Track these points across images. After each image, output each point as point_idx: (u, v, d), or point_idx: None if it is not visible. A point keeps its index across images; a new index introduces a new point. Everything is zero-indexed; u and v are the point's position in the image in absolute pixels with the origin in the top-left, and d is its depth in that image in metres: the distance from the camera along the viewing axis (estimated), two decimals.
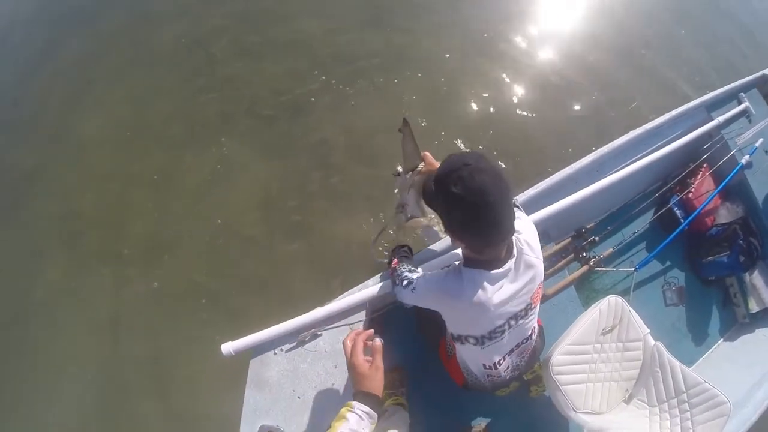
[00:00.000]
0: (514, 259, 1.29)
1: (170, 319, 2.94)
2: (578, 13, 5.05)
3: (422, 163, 1.70)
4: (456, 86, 4.06)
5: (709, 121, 2.75)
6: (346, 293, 1.83)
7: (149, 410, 2.74)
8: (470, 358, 1.59)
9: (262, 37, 4.09)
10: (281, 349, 1.73)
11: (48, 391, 2.83)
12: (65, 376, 2.86)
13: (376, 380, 1.16)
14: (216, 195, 3.31)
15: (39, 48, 4.25)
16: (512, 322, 1.40)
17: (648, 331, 2.03)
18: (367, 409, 1.11)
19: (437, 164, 1.68)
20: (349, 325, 1.78)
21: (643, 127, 2.54)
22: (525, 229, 1.38)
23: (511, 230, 1.18)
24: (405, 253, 1.73)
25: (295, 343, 1.73)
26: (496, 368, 1.55)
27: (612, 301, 1.97)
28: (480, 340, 1.41)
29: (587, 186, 2.22)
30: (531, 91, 4.24)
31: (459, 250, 1.75)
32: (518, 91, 4.21)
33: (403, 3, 4.55)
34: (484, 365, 1.56)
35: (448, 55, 4.25)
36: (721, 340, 2.83)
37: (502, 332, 1.41)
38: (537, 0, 5.02)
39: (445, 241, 1.96)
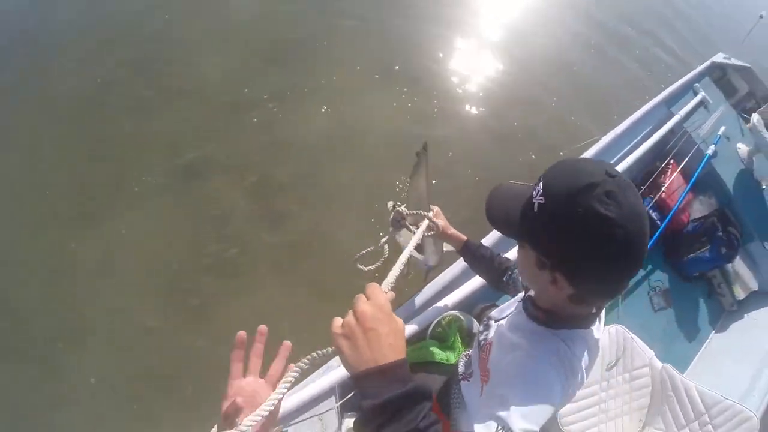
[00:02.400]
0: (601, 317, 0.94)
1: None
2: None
3: (431, 215, 1.37)
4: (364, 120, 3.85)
5: (670, 117, 2.73)
6: (308, 379, 1.59)
7: None
8: None
9: (154, 89, 3.73)
10: None
11: None
12: None
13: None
14: (114, 279, 2.94)
15: None
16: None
17: (653, 353, 1.92)
18: None
19: (450, 228, 1.41)
20: (318, 415, 1.54)
21: (608, 134, 2.48)
22: None
23: None
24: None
25: None
26: None
27: (612, 331, 1.86)
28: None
29: None
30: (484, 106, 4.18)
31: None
32: (456, 111, 4.13)
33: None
34: None
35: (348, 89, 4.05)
36: (713, 332, 2.79)
37: None
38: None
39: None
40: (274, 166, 3.38)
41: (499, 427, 0.73)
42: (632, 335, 1.89)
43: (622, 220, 0.69)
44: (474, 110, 4.16)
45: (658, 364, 1.90)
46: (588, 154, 2.37)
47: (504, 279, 1.30)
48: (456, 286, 1.80)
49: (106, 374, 2.66)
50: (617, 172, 0.73)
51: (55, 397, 2.64)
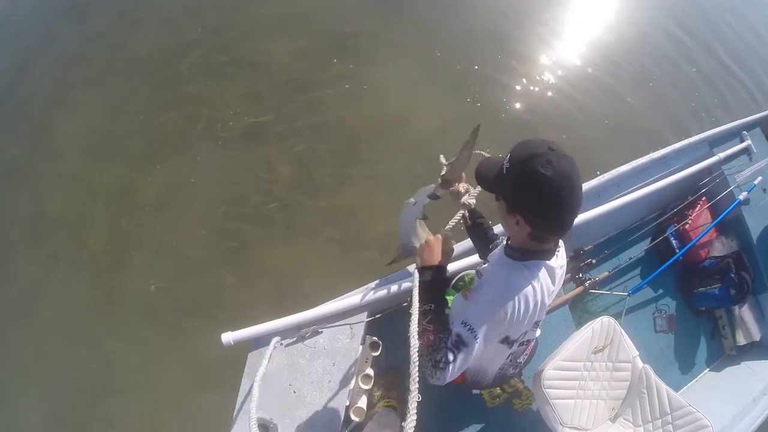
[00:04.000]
0: (559, 249, 1.29)
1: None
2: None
3: (459, 185, 1.61)
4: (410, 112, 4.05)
5: (710, 156, 2.84)
6: (348, 294, 1.88)
7: (134, 404, 2.81)
8: (497, 361, 1.55)
9: (229, 56, 4.13)
10: (281, 343, 1.76)
11: (23, 387, 2.90)
12: (36, 374, 2.93)
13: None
14: (166, 213, 3.38)
15: (33, 42, 4.33)
16: (543, 316, 1.36)
17: (637, 353, 2.09)
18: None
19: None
20: (349, 324, 1.82)
21: (646, 156, 2.62)
22: None
23: None
24: (434, 303, 1.27)
25: (295, 338, 1.77)
26: (506, 359, 1.56)
27: (605, 321, 2.03)
28: (525, 335, 1.39)
29: (589, 210, 2.29)
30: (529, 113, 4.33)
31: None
32: (507, 116, 4.27)
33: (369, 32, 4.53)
34: (501, 363, 1.58)
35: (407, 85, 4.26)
36: (707, 369, 2.89)
37: (536, 326, 1.40)
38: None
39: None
40: (319, 142, 3.73)
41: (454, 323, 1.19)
42: (622, 331, 2.06)
43: (555, 177, 1.03)
44: (528, 117, 4.31)
45: (640, 363, 2.07)
46: (626, 167, 2.54)
47: (489, 247, 1.60)
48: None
49: (143, 291, 3.12)
50: (557, 146, 1.07)
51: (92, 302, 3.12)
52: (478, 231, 1.73)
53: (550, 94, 4.55)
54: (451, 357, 1.13)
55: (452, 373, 1.15)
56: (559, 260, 1.30)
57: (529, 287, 1.19)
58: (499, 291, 1.19)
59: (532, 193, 1.10)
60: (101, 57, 4.17)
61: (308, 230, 3.34)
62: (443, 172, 1.60)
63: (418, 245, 1.57)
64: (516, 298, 1.18)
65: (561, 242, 1.31)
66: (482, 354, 1.24)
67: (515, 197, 1.16)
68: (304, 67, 4.11)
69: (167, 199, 3.41)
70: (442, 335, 1.17)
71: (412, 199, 1.68)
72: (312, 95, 3.94)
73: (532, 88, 4.54)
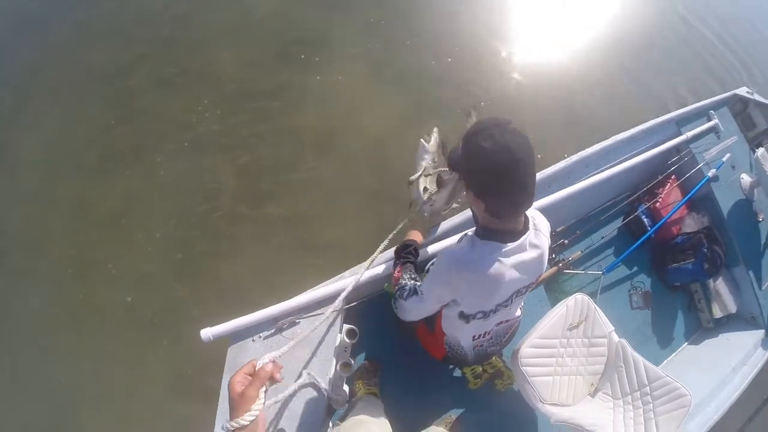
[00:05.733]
0: (528, 234, 1.29)
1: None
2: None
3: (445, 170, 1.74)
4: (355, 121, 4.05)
5: (678, 136, 2.90)
6: (322, 283, 1.89)
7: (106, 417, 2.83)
8: (466, 332, 1.61)
9: (179, 68, 4.14)
10: (259, 336, 1.77)
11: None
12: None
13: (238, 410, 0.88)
14: (120, 227, 3.41)
15: None
16: (513, 298, 1.43)
17: (613, 328, 2.13)
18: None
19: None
20: (326, 313, 1.83)
21: (613, 138, 2.67)
22: (534, 212, 1.40)
23: (533, 197, 1.17)
24: (409, 255, 1.69)
25: (273, 330, 1.78)
26: (483, 337, 1.63)
27: (579, 298, 2.07)
28: (487, 314, 1.44)
29: (558, 191, 2.33)
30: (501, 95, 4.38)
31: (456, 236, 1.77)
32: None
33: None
34: (474, 336, 1.63)
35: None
36: (686, 343, 2.96)
37: (504, 306, 1.44)
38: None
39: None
40: (264, 151, 3.76)
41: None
42: (596, 307, 2.10)
43: (493, 149, 1.08)
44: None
45: (616, 338, 2.11)
46: (595, 148, 2.59)
47: None
48: (456, 232, 2.06)
49: (106, 304, 3.15)
50: (506, 123, 1.11)
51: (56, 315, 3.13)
52: None
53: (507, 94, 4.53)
54: (404, 295, 1.48)
55: (405, 308, 1.51)
56: (529, 253, 1.31)
57: (483, 263, 1.25)
58: (447, 257, 1.33)
59: (474, 166, 1.16)
60: (58, 71, 4.16)
61: (258, 239, 3.38)
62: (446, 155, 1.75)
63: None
64: (462, 268, 1.28)
65: (541, 238, 1.34)
66: (431, 309, 1.49)
67: (467, 172, 1.25)
68: (250, 76, 4.13)
69: (121, 212, 3.45)
70: (402, 278, 1.55)
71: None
72: (257, 104, 3.97)
73: (490, 88, 4.51)
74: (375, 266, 1.95)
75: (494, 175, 1.11)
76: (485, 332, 1.61)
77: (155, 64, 4.15)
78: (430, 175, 1.78)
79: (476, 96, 4.30)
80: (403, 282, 1.51)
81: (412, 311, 1.50)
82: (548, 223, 1.42)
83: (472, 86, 4.39)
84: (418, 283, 1.47)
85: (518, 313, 1.67)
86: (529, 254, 1.30)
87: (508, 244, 1.25)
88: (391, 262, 1.93)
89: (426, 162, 1.78)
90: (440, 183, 1.77)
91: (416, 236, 1.81)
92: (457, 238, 1.49)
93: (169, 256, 3.28)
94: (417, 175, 1.75)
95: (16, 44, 4.35)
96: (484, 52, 4.73)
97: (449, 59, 4.54)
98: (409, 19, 4.75)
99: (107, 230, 3.37)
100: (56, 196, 3.52)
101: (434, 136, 1.80)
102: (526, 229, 1.29)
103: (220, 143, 3.76)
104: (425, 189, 1.77)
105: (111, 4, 4.59)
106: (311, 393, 1.73)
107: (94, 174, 3.61)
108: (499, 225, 1.24)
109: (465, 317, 1.45)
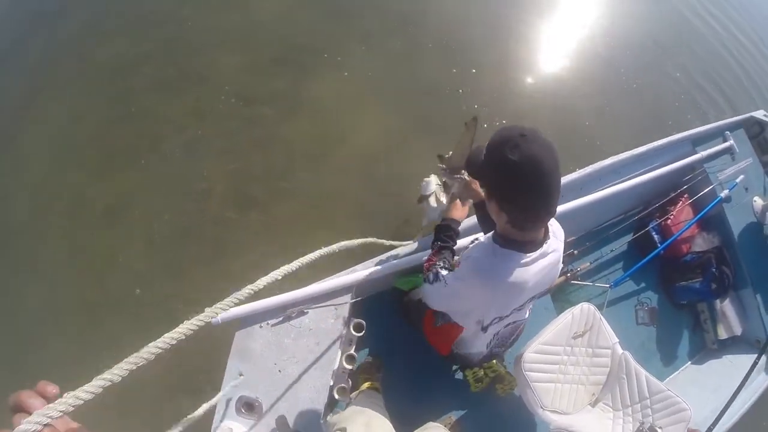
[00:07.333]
0: (549, 242, 1.28)
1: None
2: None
3: (463, 175, 1.70)
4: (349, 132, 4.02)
5: (693, 154, 2.90)
6: (334, 275, 1.92)
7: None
8: (482, 339, 1.61)
9: (179, 70, 4.17)
10: (267, 323, 1.79)
11: None
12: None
13: None
14: (116, 225, 3.43)
15: (6, 45, 4.34)
16: (527, 303, 1.45)
17: (617, 340, 2.14)
18: None
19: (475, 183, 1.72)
20: (334, 305, 1.86)
21: (628, 152, 2.67)
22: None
23: (555, 208, 1.14)
24: (448, 240, 1.64)
25: (281, 318, 1.80)
26: (492, 339, 1.64)
27: (585, 307, 2.08)
28: (502, 319, 1.46)
29: (570, 201, 2.34)
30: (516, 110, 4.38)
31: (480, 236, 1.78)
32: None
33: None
34: (487, 344, 1.65)
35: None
36: (689, 362, 2.95)
37: (518, 310, 1.46)
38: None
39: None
40: (256, 157, 3.76)
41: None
42: (602, 317, 2.11)
43: (521, 162, 1.04)
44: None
45: (620, 349, 2.12)
46: (608, 161, 2.59)
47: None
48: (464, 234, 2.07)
49: (99, 296, 3.20)
50: (532, 132, 1.08)
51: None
52: (489, 220, 1.79)
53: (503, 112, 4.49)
54: (431, 279, 1.44)
55: (429, 294, 1.52)
56: (548, 259, 1.31)
57: (506, 274, 1.24)
58: (471, 265, 1.32)
59: (501, 178, 1.14)
60: (67, 65, 4.20)
61: (243, 245, 3.39)
62: (444, 163, 1.74)
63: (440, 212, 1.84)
64: (487, 279, 1.28)
65: (556, 243, 1.34)
66: (450, 305, 1.54)
67: (490, 183, 1.22)
68: (247, 81, 4.14)
69: (117, 211, 3.47)
70: (435, 264, 1.48)
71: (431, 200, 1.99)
72: (252, 110, 3.98)
73: (492, 102, 4.50)
74: (385, 263, 1.98)
75: (522, 188, 1.09)
76: (495, 333, 1.63)
77: (157, 65, 4.18)
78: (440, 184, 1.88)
79: (476, 111, 4.28)
80: (436, 269, 1.45)
81: (435, 298, 1.51)
82: (563, 230, 1.43)
83: (474, 101, 4.40)
84: (446, 272, 1.42)
85: (527, 314, 1.68)
86: (547, 260, 1.30)
87: (529, 254, 1.24)
88: (401, 260, 1.97)
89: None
90: (447, 188, 1.82)
91: (458, 212, 1.71)
92: (473, 241, 1.52)
93: (159, 254, 3.33)
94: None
95: (30, 38, 4.40)
96: (487, 66, 4.72)
97: (454, 69, 4.56)
98: (409, 33, 4.77)
99: (102, 228, 3.41)
100: (58, 191, 3.56)
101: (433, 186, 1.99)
102: (546, 237, 1.28)
103: (213, 147, 3.78)
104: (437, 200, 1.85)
105: (120, 3, 4.66)
106: (314, 383, 1.76)
107: (95, 171, 3.65)
108: (521, 236, 1.23)
109: (483, 328, 1.48)
